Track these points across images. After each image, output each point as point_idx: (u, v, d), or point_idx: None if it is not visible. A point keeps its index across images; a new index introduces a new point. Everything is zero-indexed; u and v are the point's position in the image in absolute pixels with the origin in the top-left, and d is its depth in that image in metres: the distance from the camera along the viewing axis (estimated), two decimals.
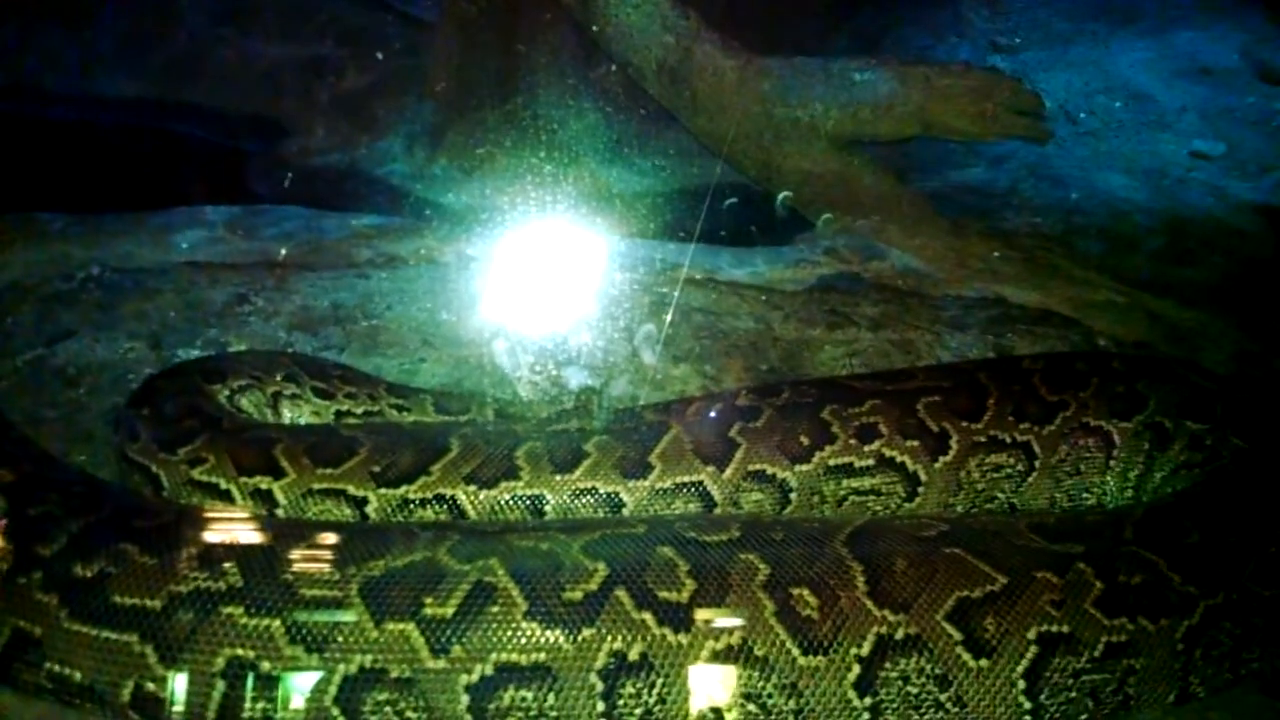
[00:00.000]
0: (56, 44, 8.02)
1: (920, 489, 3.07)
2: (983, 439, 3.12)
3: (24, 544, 2.39)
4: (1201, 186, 6.38)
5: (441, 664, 2.19)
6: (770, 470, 2.99)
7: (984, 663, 2.27)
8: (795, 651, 2.24)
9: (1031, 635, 2.29)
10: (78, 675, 2.24)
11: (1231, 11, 8.08)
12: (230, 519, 2.62)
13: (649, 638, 2.22)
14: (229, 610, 2.24)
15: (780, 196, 5.19)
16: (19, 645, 2.28)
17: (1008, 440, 3.14)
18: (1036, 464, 3.15)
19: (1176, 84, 7.45)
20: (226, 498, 2.88)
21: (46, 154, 6.72)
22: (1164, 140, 6.92)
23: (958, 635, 2.28)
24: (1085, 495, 3.19)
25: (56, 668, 2.25)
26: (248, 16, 8.10)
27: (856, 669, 2.25)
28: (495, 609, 2.24)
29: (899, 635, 2.27)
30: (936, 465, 3.08)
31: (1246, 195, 6.29)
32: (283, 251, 4.21)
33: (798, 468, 3.00)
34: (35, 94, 7.89)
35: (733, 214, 5.24)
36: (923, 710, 2.26)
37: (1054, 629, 2.31)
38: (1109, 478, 3.19)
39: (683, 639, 2.23)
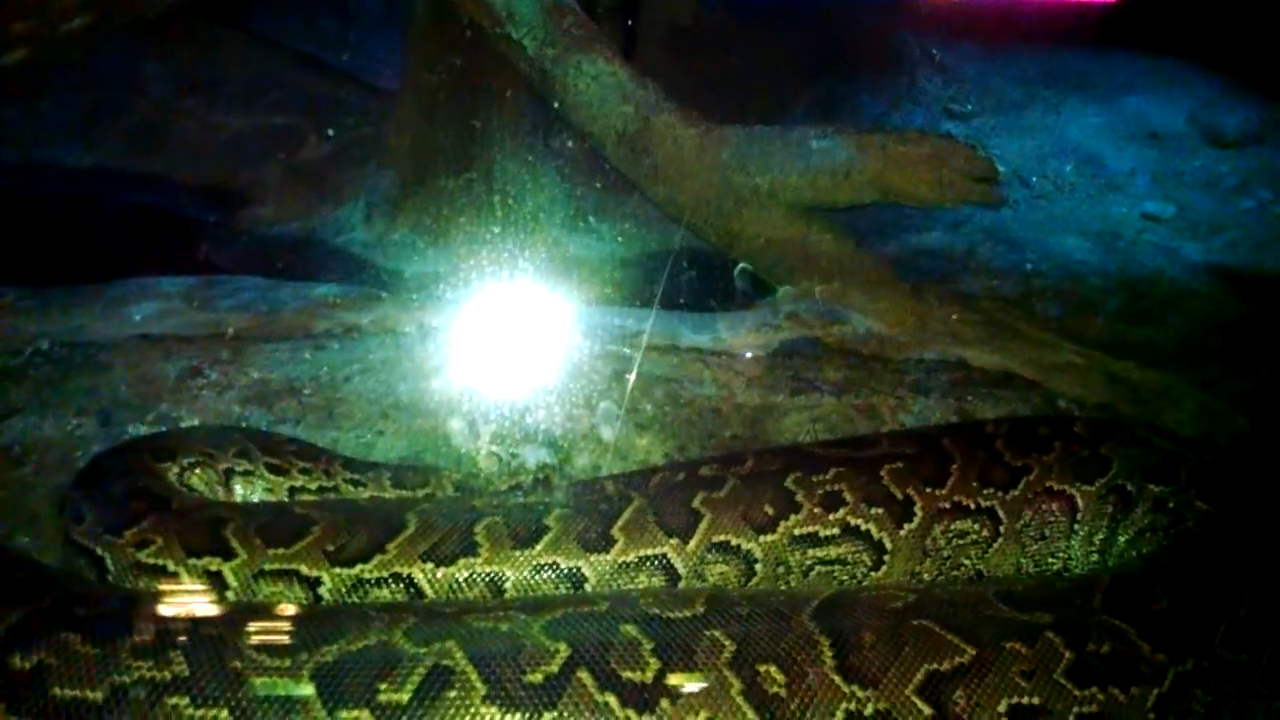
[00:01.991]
0: (11, 115, 7.97)
1: (886, 557, 3.04)
2: (947, 505, 3.11)
3: None
4: (1154, 248, 6.50)
5: None
6: (735, 541, 2.94)
7: None
8: None
9: (1002, 708, 2.25)
10: None
11: (1179, 78, 8.32)
12: (178, 604, 2.53)
13: None
14: (174, 701, 2.15)
15: (739, 267, 5.21)
16: None
17: (972, 506, 3.13)
18: (1001, 529, 3.13)
19: (1127, 148, 7.63)
20: (175, 581, 2.78)
21: None
22: (1116, 203, 7.06)
23: (928, 710, 2.23)
24: (1051, 560, 3.17)
25: None
26: (211, 87, 8.11)
27: None
28: (453, 694, 2.16)
29: (868, 711, 2.22)
30: (902, 533, 3.06)
31: (1199, 256, 6.41)
32: (230, 330, 4.14)
33: (763, 538, 2.96)
34: None
35: (693, 282, 5.26)
36: None
37: (1025, 700, 2.26)
38: (1074, 542, 3.17)
39: None
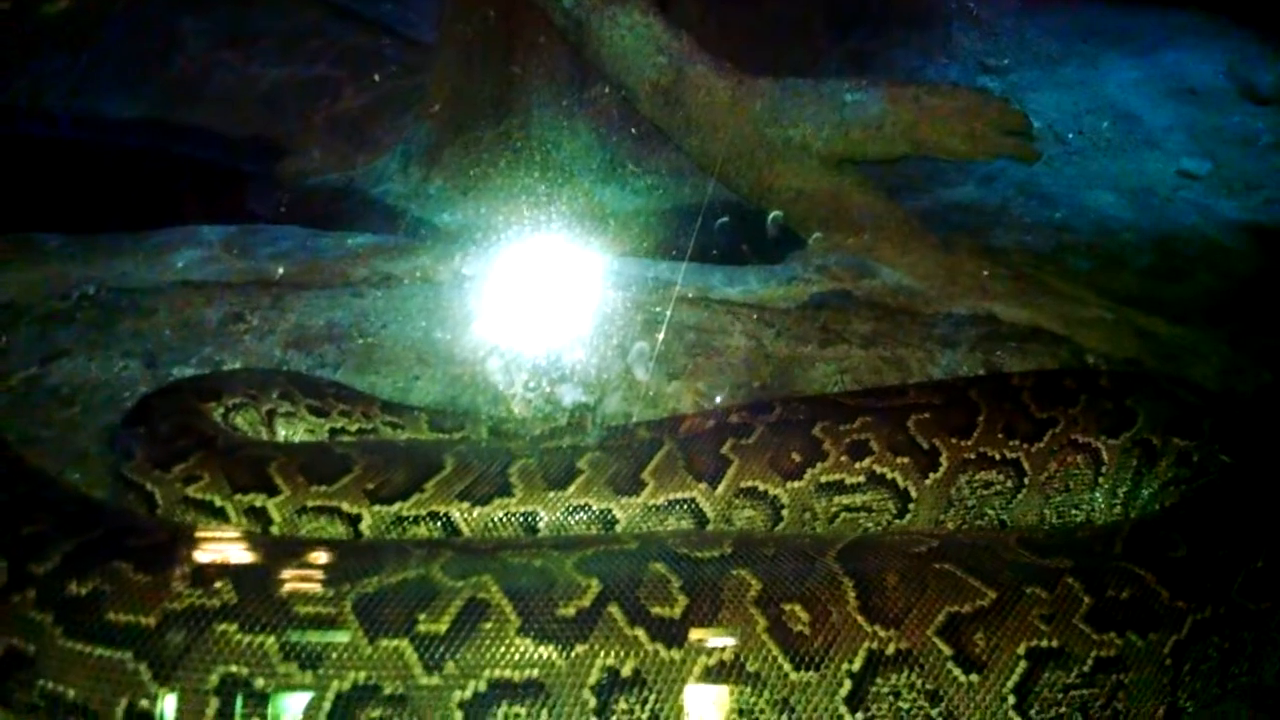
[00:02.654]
0: (57, 66, 8.09)
1: (911, 506, 3.09)
2: (972, 456, 3.15)
3: (18, 562, 2.40)
4: (1188, 205, 6.44)
5: (435, 680, 2.20)
6: (762, 487, 3.01)
7: (974, 678, 2.28)
8: (787, 667, 2.25)
9: (1021, 650, 2.30)
10: (71, 693, 2.24)
11: (1217, 33, 8.18)
12: (224, 536, 2.63)
13: (642, 654, 2.23)
14: (222, 627, 2.24)
15: (771, 216, 5.22)
16: (12, 663, 2.28)
17: (997, 457, 3.16)
18: (1026, 481, 3.17)
19: (1163, 104, 7.53)
20: (221, 515, 2.89)
21: (45, 174, 6.76)
22: (1151, 159, 6.99)
23: (948, 650, 2.29)
24: (1074, 512, 3.21)
25: (50, 686, 2.25)
26: (248, 40, 8.18)
27: (848, 684, 2.26)
28: (488, 625, 2.24)
29: (890, 651, 2.28)
30: (927, 482, 3.10)
31: (1233, 213, 6.35)
32: (279, 270, 4.22)
33: (789, 484, 3.02)
34: (34, 115, 7.95)
35: (725, 233, 5.28)
36: None
37: (1044, 644, 2.32)
38: (1097, 494, 3.21)
39: (675, 655, 2.24)
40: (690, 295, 4.41)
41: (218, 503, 2.89)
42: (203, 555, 2.42)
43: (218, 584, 2.31)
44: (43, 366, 3.85)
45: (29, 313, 4.14)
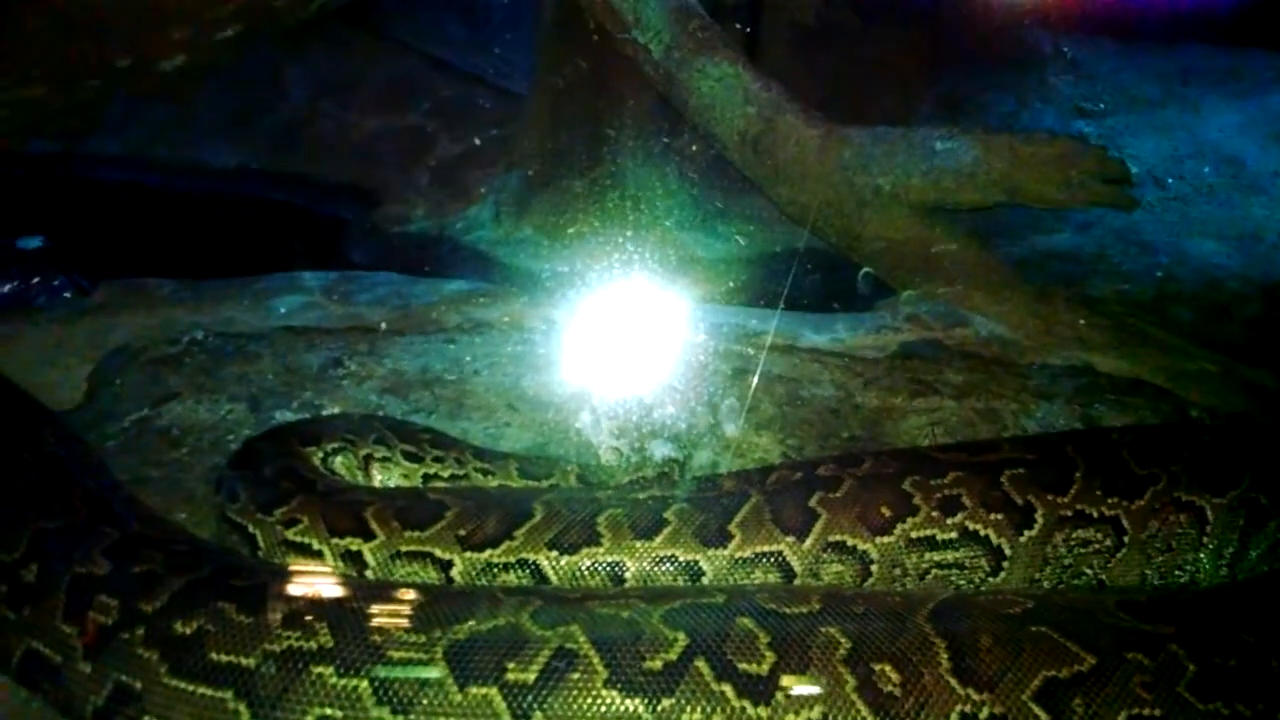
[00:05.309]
0: (165, 117, 8.45)
1: (1005, 563, 3.02)
2: (1069, 513, 3.06)
3: (128, 600, 2.50)
4: None
5: None
6: (851, 542, 2.97)
7: None
8: None
9: (1122, 719, 2.24)
10: None
11: None
12: (322, 580, 2.70)
13: (729, 710, 2.22)
14: (319, 670, 2.30)
15: (862, 273, 5.20)
16: (120, 699, 2.38)
17: (1095, 515, 3.08)
18: (1125, 539, 3.08)
19: (1269, 148, 7.30)
20: (319, 558, 2.96)
21: (155, 222, 7.07)
22: (1257, 205, 6.77)
23: (1045, 716, 2.23)
24: (1178, 573, 3.10)
25: None
26: (347, 90, 8.48)
27: None
28: (576, 676, 2.26)
29: (984, 715, 2.22)
30: (1022, 539, 3.03)
31: None
32: (383, 325, 4.34)
33: (879, 540, 2.98)
34: (145, 164, 8.33)
35: (815, 283, 5.27)
36: None
37: (1145, 712, 2.23)
38: (1202, 555, 3.10)
39: (762, 712, 2.22)
40: (779, 343, 4.40)
41: (316, 546, 2.97)
42: (301, 598, 2.49)
43: (315, 626, 2.37)
44: (154, 409, 4.01)
45: (141, 356, 4.32)
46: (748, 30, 7.06)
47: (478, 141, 7.66)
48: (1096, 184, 4.93)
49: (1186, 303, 5.46)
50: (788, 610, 2.43)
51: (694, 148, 6.40)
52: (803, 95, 5.49)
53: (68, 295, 5.37)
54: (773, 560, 2.93)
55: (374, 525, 2.96)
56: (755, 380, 4.03)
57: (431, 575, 2.92)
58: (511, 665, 2.28)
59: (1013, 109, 8.09)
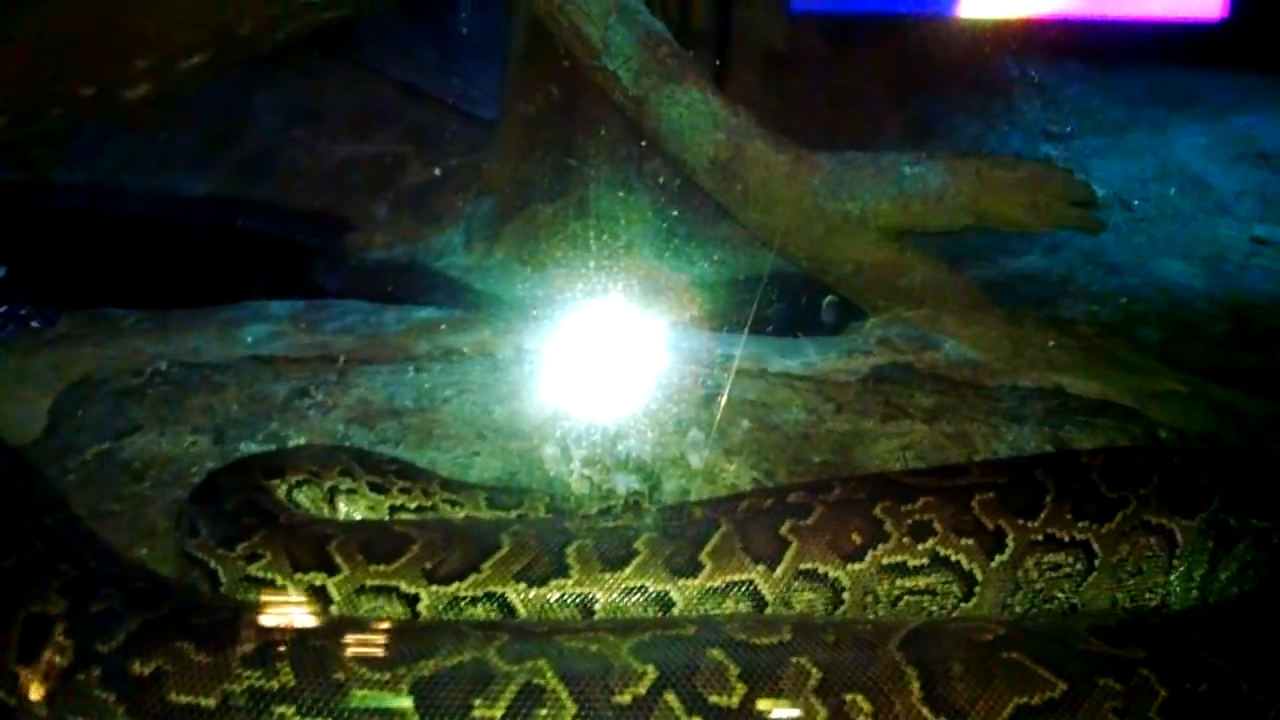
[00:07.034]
0: (134, 145, 8.41)
1: (976, 589, 3.01)
2: (1039, 537, 3.06)
3: (85, 641, 2.45)
4: (1263, 272, 6.29)
5: None
6: (822, 569, 2.95)
7: None
8: None
9: None
10: None
11: None
12: (285, 616, 2.65)
13: None
14: (281, 710, 2.26)
15: (826, 301, 5.21)
16: None
17: (1065, 539, 3.07)
18: (1096, 563, 3.07)
19: (1234, 169, 7.40)
20: (282, 593, 2.91)
21: (120, 251, 7.01)
22: (1223, 226, 6.86)
23: None
24: (1148, 595, 3.10)
25: None
26: (317, 117, 8.47)
27: None
28: (544, 712, 2.23)
29: None
30: (993, 564, 3.02)
31: None
32: (342, 358, 4.30)
33: (850, 567, 2.96)
34: (112, 192, 8.27)
35: (783, 307, 5.28)
36: None
37: None
38: (1173, 578, 3.10)
39: None
40: (748, 368, 4.38)
41: (279, 581, 2.92)
42: (262, 636, 2.44)
43: (277, 665, 2.33)
44: (116, 441, 3.95)
45: (104, 387, 4.25)
46: (717, 58, 7.10)
47: (449, 167, 7.66)
48: (1063, 207, 4.96)
49: (1154, 323, 5.51)
50: (758, 641, 2.41)
51: (664, 174, 6.41)
52: (771, 121, 5.50)
53: (35, 325, 5.30)
54: (744, 589, 2.91)
55: (338, 559, 2.92)
56: (725, 405, 4.01)
57: (398, 610, 2.88)
58: (478, 702, 2.25)
59: (980, 133, 8.18)
